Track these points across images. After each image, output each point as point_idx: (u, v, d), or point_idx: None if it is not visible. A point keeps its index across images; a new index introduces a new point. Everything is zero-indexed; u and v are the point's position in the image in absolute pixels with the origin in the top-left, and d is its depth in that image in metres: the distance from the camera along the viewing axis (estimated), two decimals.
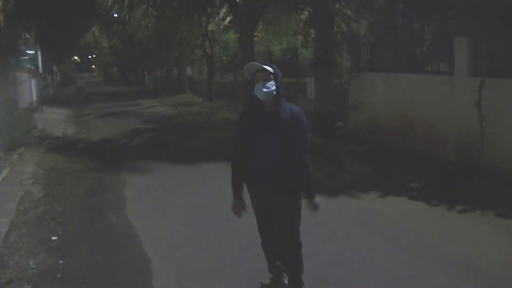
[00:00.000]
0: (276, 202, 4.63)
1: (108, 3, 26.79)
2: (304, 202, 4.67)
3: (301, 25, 23.44)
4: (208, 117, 21.42)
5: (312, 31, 16.68)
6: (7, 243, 6.88)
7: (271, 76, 4.46)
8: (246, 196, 4.78)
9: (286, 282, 4.98)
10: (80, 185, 10.05)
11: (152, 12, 30.63)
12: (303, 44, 18.10)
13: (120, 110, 24.86)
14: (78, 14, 33.43)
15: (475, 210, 7.54)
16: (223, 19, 32.81)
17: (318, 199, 4.65)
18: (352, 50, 14.47)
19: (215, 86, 29.15)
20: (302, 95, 16.47)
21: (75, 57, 76.33)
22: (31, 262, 6.12)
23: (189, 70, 38.88)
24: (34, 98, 26.19)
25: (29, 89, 24.64)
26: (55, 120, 21.30)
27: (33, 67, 26.95)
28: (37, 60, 29.89)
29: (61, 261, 6.20)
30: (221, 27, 34.28)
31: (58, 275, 5.81)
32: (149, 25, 36.83)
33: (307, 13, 18.16)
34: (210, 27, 30.02)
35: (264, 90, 4.41)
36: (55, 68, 45.64)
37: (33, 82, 26.17)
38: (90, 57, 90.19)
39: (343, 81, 14.67)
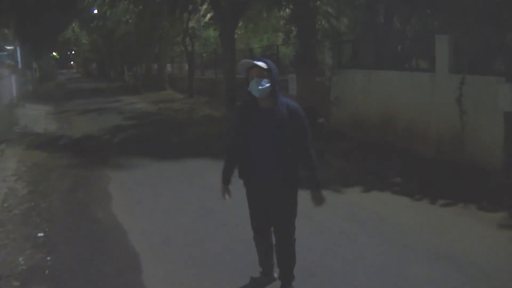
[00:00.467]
0: (272, 198, 4.66)
1: None
2: (304, 195, 4.76)
3: (282, 22, 23.50)
4: (189, 114, 21.40)
5: (293, 28, 16.73)
6: None
7: (265, 72, 4.45)
8: (234, 186, 4.84)
9: (276, 275, 5.05)
10: (64, 181, 10.03)
11: (133, 8, 30.54)
12: (285, 41, 18.14)
13: (101, 107, 24.71)
14: (58, 9, 33.17)
15: (458, 204, 7.69)
16: (204, 15, 32.79)
17: (324, 192, 4.74)
18: (333, 47, 14.54)
19: (196, 83, 29.10)
20: (284, 92, 16.54)
21: (54, 53, 75.67)
22: (20, 259, 6.13)
23: (169, 67, 38.75)
24: (15, 94, 25.96)
25: (9, 85, 24.42)
26: (36, 117, 21.14)
27: (12, 63, 26.69)
28: (16, 56, 29.61)
29: (48, 258, 6.20)
30: (202, 23, 34.23)
31: (47, 271, 5.82)
32: (130, 21, 36.64)
33: (288, 10, 18.22)
34: (191, 24, 29.95)
35: (259, 87, 4.42)
36: (34, 64, 45.25)
37: (13, 78, 25.93)
38: (69, 53, 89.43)
39: (324, 78, 14.75)
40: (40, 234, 7.03)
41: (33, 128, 17.49)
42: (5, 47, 26.26)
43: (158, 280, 5.49)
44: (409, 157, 10.64)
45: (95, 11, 38.98)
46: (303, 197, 4.83)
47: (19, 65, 30.74)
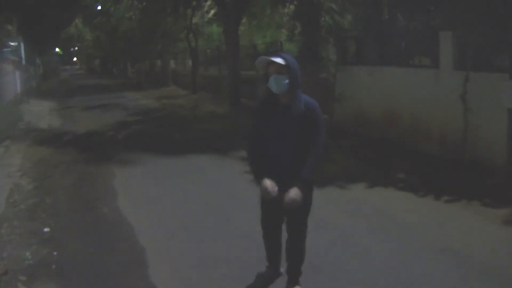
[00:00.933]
0: (284, 191, 4.53)
1: None
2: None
3: (285, 18, 23.50)
4: (193, 110, 21.42)
5: (297, 24, 16.73)
6: None
7: (284, 69, 4.38)
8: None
9: (282, 270, 5.07)
10: (69, 177, 10.06)
11: (137, 5, 30.55)
12: (289, 37, 18.13)
13: (105, 103, 24.72)
14: (61, 6, 33.18)
15: (461, 200, 7.71)
16: (207, 12, 32.78)
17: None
18: (337, 43, 14.55)
19: (199, 79, 29.09)
20: None
21: (58, 49, 75.72)
22: (27, 254, 6.16)
23: (172, 63, 38.74)
24: (19, 90, 25.98)
25: (14, 81, 24.45)
26: (40, 113, 21.17)
27: (16, 59, 26.72)
28: (20, 52, 29.62)
29: (55, 253, 6.22)
30: (205, 20, 34.23)
31: (53, 266, 5.85)
32: (133, 17, 36.64)
33: (292, 7, 18.23)
34: (195, 20, 29.95)
35: (277, 84, 4.38)
36: (37, 60, 45.27)
37: (17, 74, 25.96)
38: (72, 49, 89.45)
39: (328, 74, 14.76)
40: (46, 230, 7.06)
41: (37, 124, 17.52)
42: (9, 43, 26.24)
43: (164, 275, 5.52)
44: (413, 154, 10.67)
45: (99, 8, 39.02)
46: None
47: (23, 61, 30.76)
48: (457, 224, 6.85)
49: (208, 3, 29.11)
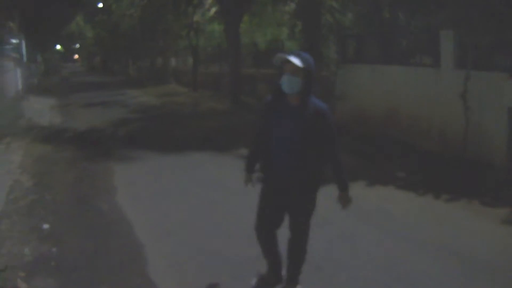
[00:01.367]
0: (291, 196, 4.59)
1: None
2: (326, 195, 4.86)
3: (286, 16, 23.50)
4: (193, 107, 21.43)
5: (298, 22, 16.75)
6: None
7: (300, 71, 4.29)
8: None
9: (283, 273, 5.03)
10: (69, 174, 10.06)
11: (138, 2, 30.53)
12: (290, 35, 18.15)
13: (105, 100, 24.71)
14: (62, 3, 33.17)
15: (461, 199, 7.74)
16: (209, 10, 32.72)
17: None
18: (338, 42, 14.56)
19: (200, 77, 29.09)
20: None
21: (58, 47, 75.69)
22: (26, 250, 6.17)
23: (173, 61, 38.73)
24: (20, 87, 25.98)
25: (15, 78, 24.44)
26: (41, 110, 21.14)
27: (18, 56, 26.71)
28: (21, 49, 29.61)
29: (54, 249, 6.23)
30: (207, 18, 34.19)
31: (52, 263, 5.85)
32: (134, 15, 36.61)
33: (293, 5, 18.24)
34: (196, 18, 29.92)
35: (289, 84, 4.31)
36: (39, 58, 45.26)
37: (18, 71, 25.95)
38: (73, 47, 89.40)
39: (329, 72, 14.75)
40: (46, 226, 7.06)
41: (38, 121, 17.49)
42: (11, 40, 26.23)
43: (163, 272, 5.53)
44: (413, 152, 10.67)
45: (100, 5, 38.98)
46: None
47: (24, 59, 30.75)
48: (456, 223, 6.87)
49: (209, 1, 29.06)
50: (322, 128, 4.42)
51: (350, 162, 10.25)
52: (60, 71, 63.35)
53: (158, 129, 15.80)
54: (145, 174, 9.91)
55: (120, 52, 49.75)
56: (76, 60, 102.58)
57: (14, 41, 26.68)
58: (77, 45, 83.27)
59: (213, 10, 30.97)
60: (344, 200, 4.78)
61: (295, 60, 4.27)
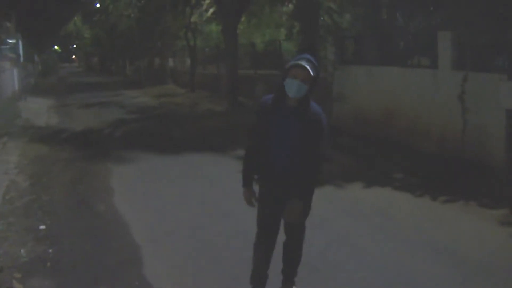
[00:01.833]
0: (285, 197, 4.49)
1: None
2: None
3: (284, 17, 23.51)
4: (191, 108, 21.41)
5: (296, 23, 16.74)
6: None
7: (310, 78, 4.25)
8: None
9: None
10: (66, 174, 10.04)
11: (136, 2, 30.52)
12: (288, 36, 18.14)
13: (103, 100, 24.70)
14: (60, 3, 33.14)
15: (459, 200, 7.73)
16: (206, 10, 32.72)
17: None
18: (336, 43, 14.54)
19: (198, 78, 29.10)
20: None
21: (56, 47, 75.66)
22: (22, 251, 6.14)
23: (171, 61, 38.71)
24: (17, 87, 25.93)
25: (11, 79, 24.40)
26: (38, 110, 21.14)
27: (14, 56, 26.67)
28: (18, 49, 29.54)
29: (50, 250, 6.20)
30: (204, 18, 34.20)
31: (48, 264, 5.82)
32: (132, 15, 36.59)
33: (291, 6, 18.24)
34: (194, 18, 29.92)
35: (298, 90, 4.24)
36: (36, 58, 45.21)
37: (15, 71, 25.91)
38: (71, 47, 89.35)
39: (327, 73, 14.74)
40: (42, 227, 7.04)
41: (35, 122, 17.49)
42: (7, 40, 26.18)
43: (159, 273, 5.50)
44: (411, 153, 10.66)
45: (98, 5, 38.96)
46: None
47: (21, 59, 30.69)
48: (454, 224, 6.85)
49: (207, 1, 29.06)
50: (316, 131, 4.38)
51: (348, 163, 10.28)
52: (57, 71, 63.28)
53: (156, 129, 15.80)
54: (143, 175, 9.89)
55: (118, 52, 49.71)
56: (73, 61, 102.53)
57: (11, 41, 26.62)
58: (74, 46, 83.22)
59: (211, 10, 30.99)
60: (295, 209, 4.44)
61: (310, 69, 4.24)
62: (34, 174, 10.02)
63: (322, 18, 16.15)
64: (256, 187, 4.64)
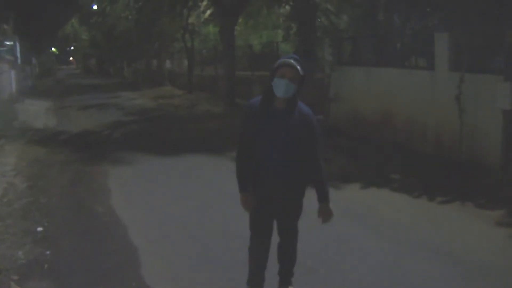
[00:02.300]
0: (279, 200, 4.51)
1: None
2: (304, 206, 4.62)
3: (281, 19, 23.53)
4: (189, 110, 21.42)
5: (293, 25, 16.75)
6: None
7: (298, 77, 4.26)
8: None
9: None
10: (63, 176, 10.04)
11: (133, 4, 30.52)
12: (285, 38, 18.15)
13: (101, 102, 24.67)
14: (57, 5, 33.13)
15: (456, 201, 7.74)
16: (204, 12, 32.73)
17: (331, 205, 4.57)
18: (333, 44, 14.55)
19: (195, 79, 29.11)
20: None
21: (53, 49, 75.61)
22: (20, 253, 6.15)
23: (168, 63, 38.71)
24: (14, 89, 25.91)
25: (9, 81, 24.38)
26: (36, 112, 21.11)
27: (12, 58, 26.65)
28: (16, 51, 29.54)
29: (48, 252, 6.21)
30: (202, 20, 34.20)
31: (46, 266, 5.83)
32: (130, 17, 36.60)
33: (288, 7, 18.26)
34: (191, 20, 29.94)
35: (287, 89, 4.23)
36: (33, 60, 45.18)
37: (12, 73, 25.88)
38: (68, 49, 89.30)
39: (324, 74, 14.77)
40: (40, 229, 7.04)
41: (32, 124, 17.47)
42: (5, 42, 26.21)
43: (157, 275, 5.51)
44: (408, 154, 10.68)
45: (95, 7, 38.95)
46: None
47: (19, 61, 30.67)
48: (451, 225, 6.87)
49: (204, 3, 29.07)
50: (306, 132, 4.36)
51: (345, 165, 10.29)
52: (55, 73, 63.20)
53: (153, 131, 15.81)
54: (140, 177, 9.90)
55: (115, 54, 49.69)
56: (71, 63, 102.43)
57: (8, 43, 26.62)
58: (72, 48, 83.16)
59: (208, 12, 31.02)
60: (325, 213, 4.56)
61: (299, 68, 4.25)
62: (32, 176, 10.02)
63: (319, 19, 16.18)
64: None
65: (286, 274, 4.85)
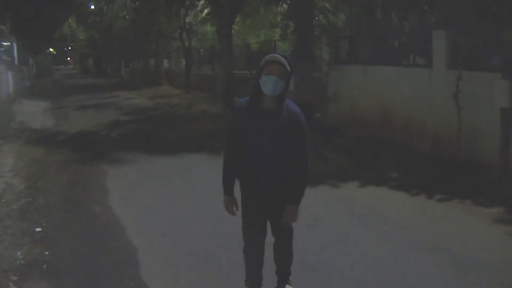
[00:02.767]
0: (272, 200, 4.46)
1: None
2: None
3: (279, 17, 23.54)
4: (187, 109, 21.40)
5: (291, 23, 16.76)
6: None
7: (286, 74, 4.22)
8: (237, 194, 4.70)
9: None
10: (61, 177, 10.03)
11: (130, 4, 30.53)
12: (282, 36, 18.15)
13: (98, 102, 24.67)
14: (55, 5, 33.12)
15: (454, 199, 7.74)
16: (201, 11, 32.76)
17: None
18: (331, 42, 14.55)
19: (193, 78, 29.10)
20: None
21: (51, 49, 75.55)
22: (18, 253, 6.14)
23: (166, 62, 38.71)
24: (12, 90, 25.90)
25: (6, 81, 24.37)
26: (33, 112, 21.08)
27: (9, 59, 26.63)
28: (13, 52, 29.54)
29: (46, 252, 6.20)
30: (199, 19, 34.21)
31: (44, 266, 5.82)
32: (127, 17, 36.60)
33: (286, 6, 18.26)
34: (188, 19, 29.95)
35: (275, 86, 4.18)
36: (31, 60, 45.14)
37: (10, 74, 25.87)
38: (66, 49, 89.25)
39: (322, 73, 14.77)
40: (38, 229, 7.03)
41: (30, 124, 17.46)
42: (2, 43, 26.19)
43: (156, 274, 5.51)
44: (406, 153, 10.67)
45: (92, 7, 38.94)
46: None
47: (16, 61, 30.66)
48: (449, 223, 6.87)
49: (202, 2, 29.11)
50: (294, 131, 4.28)
51: (343, 163, 10.29)
52: (52, 73, 63.10)
53: (151, 131, 15.80)
54: (139, 176, 9.89)
55: (113, 54, 49.70)
56: (68, 63, 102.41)
57: (5, 43, 26.61)
58: (70, 48, 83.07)
59: (206, 11, 31.04)
60: (291, 214, 4.40)
61: (286, 64, 4.21)
62: (30, 177, 10.01)
63: (317, 18, 16.19)
64: (238, 193, 4.57)
65: (283, 273, 4.84)
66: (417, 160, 10.16)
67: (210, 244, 6.25)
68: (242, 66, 23.96)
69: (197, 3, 28.90)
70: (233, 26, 21.96)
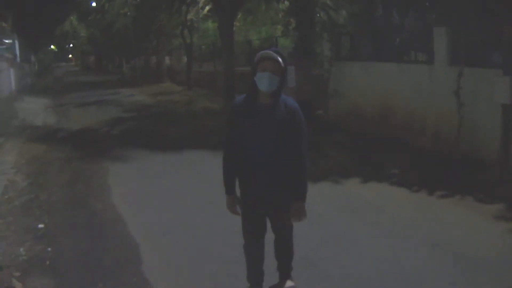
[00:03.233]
0: (271, 197, 4.46)
1: None
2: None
3: (280, 14, 23.52)
4: (188, 106, 21.40)
5: (292, 20, 16.74)
6: None
7: (280, 69, 4.22)
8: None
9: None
10: (63, 173, 10.07)
11: (132, 1, 30.52)
12: (284, 33, 18.14)
13: (100, 99, 24.71)
14: (56, 2, 33.12)
15: (455, 195, 7.73)
16: (202, 8, 32.74)
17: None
18: (332, 39, 14.54)
19: (194, 75, 29.07)
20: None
21: (52, 47, 75.54)
22: (21, 250, 6.18)
23: (167, 59, 38.68)
24: (14, 87, 25.93)
25: (8, 79, 24.40)
26: (35, 110, 21.13)
27: (11, 56, 26.65)
28: (15, 49, 29.55)
29: (49, 249, 6.25)
30: (200, 16, 34.19)
31: (47, 262, 5.86)
32: (128, 14, 36.58)
33: (287, 2, 18.23)
34: (190, 16, 29.93)
35: (270, 82, 4.20)
36: (32, 58, 45.15)
37: (12, 71, 25.90)
38: (67, 46, 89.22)
39: (323, 70, 14.77)
40: (41, 226, 7.07)
41: (32, 121, 17.50)
42: (4, 40, 26.22)
43: (158, 271, 5.54)
44: (407, 149, 10.66)
45: (93, 4, 38.93)
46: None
47: (18, 59, 30.67)
48: (450, 219, 6.88)
49: None
50: (293, 126, 4.31)
51: (344, 160, 10.30)
52: (54, 71, 63.20)
53: (153, 128, 15.81)
54: (140, 173, 9.92)
55: (114, 51, 49.67)
56: (70, 60, 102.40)
57: (7, 41, 26.63)
58: (71, 45, 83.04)
59: (207, 8, 31.02)
60: (298, 211, 4.43)
61: (280, 59, 4.22)
62: (32, 174, 10.06)
63: (318, 15, 16.18)
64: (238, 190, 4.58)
65: (285, 269, 4.86)
66: (418, 156, 10.16)
67: (212, 240, 6.28)
68: (243, 63, 23.95)
69: (199, 0, 28.86)
70: (234, 23, 21.94)
